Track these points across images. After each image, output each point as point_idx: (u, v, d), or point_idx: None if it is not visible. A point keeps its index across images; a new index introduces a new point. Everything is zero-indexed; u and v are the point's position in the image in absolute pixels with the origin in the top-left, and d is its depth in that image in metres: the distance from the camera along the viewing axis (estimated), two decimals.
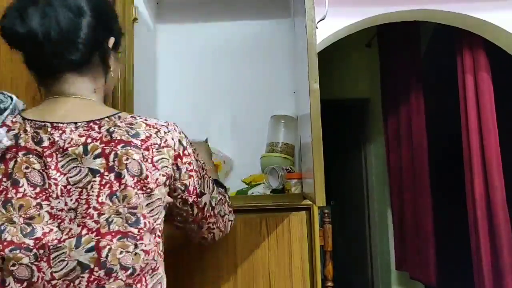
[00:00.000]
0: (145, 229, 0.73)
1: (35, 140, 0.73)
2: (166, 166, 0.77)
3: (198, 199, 0.86)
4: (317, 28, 1.04)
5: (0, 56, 1.25)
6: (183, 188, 0.82)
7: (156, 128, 0.78)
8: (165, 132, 0.79)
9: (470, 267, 2.30)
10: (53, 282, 0.69)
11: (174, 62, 1.70)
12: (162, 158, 0.77)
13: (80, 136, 0.73)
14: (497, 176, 2.17)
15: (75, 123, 0.74)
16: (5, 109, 0.77)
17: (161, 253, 0.80)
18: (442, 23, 2.18)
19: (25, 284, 0.68)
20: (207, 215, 0.90)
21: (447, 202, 2.74)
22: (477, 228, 2.22)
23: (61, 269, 0.69)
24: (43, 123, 0.74)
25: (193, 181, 0.83)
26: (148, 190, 0.74)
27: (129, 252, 0.71)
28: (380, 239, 3.45)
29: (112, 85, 0.91)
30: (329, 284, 1.65)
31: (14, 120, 0.76)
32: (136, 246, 0.72)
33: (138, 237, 0.72)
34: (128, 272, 0.72)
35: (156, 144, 0.76)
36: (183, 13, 1.72)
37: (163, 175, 0.76)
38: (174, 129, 0.81)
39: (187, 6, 1.72)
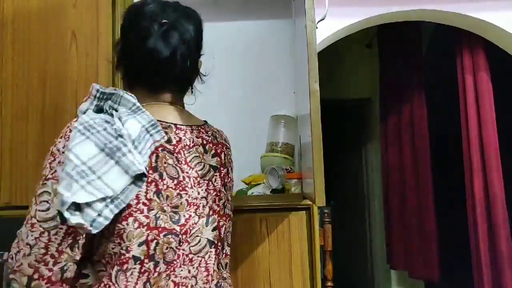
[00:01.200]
0: (230, 213, 0.93)
1: (165, 138, 0.81)
2: (232, 167, 0.99)
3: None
4: (317, 28, 1.04)
5: (3, 56, 1.26)
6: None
7: (222, 132, 1.00)
8: (226, 137, 1.01)
9: (471, 265, 2.30)
10: (190, 256, 0.81)
11: None
12: (232, 160, 0.98)
13: (197, 137, 0.88)
14: (497, 176, 2.18)
15: (190, 126, 0.88)
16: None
17: None
18: (442, 23, 2.18)
19: (170, 262, 0.78)
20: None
21: (448, 201, 2.74)
22: (476, 227, 2.22)
23: (195, 245, 0.82)
24: (168, 124, 0.84)
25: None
26: (232, 185, 0.95)
27: (230, 232, 0.92)
28: (380, 239, 3.45)
29: None
30: (329, 284, 1.66)
31: None
32: (230, 227, 0.92)
33: (230, 219, 0.92)
34: (229, 249, 0.92)
35: (229, 147, 0.99)
36: None
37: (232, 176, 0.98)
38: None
39: (187, 6, 1.72)
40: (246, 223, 1.31)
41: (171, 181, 0.79)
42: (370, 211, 3.62)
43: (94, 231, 0.69)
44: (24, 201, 1.20)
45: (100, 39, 1.26)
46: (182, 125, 0.85)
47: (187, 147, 0.84)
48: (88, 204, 0.69)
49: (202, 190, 0.84)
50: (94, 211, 0.69)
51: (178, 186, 0.80)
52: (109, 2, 1.27)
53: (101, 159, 0.71)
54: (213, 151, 0.89)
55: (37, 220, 0.71)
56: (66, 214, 0.67)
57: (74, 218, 0.67)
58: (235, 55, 1.71)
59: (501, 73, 2.31)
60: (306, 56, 1.02)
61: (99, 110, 0.79)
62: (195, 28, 0.89)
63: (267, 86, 1.69)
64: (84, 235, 0.73)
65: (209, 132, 0.91)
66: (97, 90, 0.79)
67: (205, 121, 0.95)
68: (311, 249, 1.31)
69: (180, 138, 0.83)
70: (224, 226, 0.87)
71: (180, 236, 0.78)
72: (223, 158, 0.91)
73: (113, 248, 0.74)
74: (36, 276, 0.70)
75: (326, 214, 1.64)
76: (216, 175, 0.87)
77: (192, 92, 0.97)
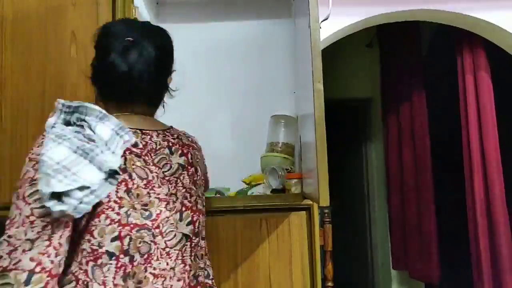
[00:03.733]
0: (203, 209, 0.98)
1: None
2: (203, 163, 1.07)
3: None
4: (320, 28, 1.04)
5: (2, 55, 1.26)
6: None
7: (192, 137, 1.06)
8: (196, 140, 1.07)
9: (472, 265, 2.30)
10: (167, 249, 0.85)
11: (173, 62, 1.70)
12: (202, 155, 1.05)
13: (163, 140, 0.93)
14: (497, 175, 2.18)
15: (156, 130, 0.93)
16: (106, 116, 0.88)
17: None
18: (442, 23, 2.18)
19: (145, 256, 0.82)
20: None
21: (449, 201, 2.74)
22: (476, 227, 2.22)
23: (171, 239, 0.86)
24: (134, 129, 0.89)
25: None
26: (202, 183, 1.00)
27: (203, 226, 0.96)
28: (380, 239, 3.45)
29: None
30: (329, 284, 1.66)
31: None
32: (203, 222, 0.97)
33: (204, 215, 0.98)
34: (204, 241, 0.97)
35: (199, 147, 1.05)
36: (183, 13, 1.72)
37: (202, 170, 1.03)
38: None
39: (187, 6, 1.72)
40: (246, 223, 1.31)
41: (141, 181, 0.85)
42: (370, 211, 3.62)
43: (77, 216, 0.75)
44: None
45: None
46: (147, 130, 0.92)
47: (153, 150, 0.90)
48: (68, 194, 0.74)
49: (171, 187, 0.89)
50: (74, 199, 0.74)
51: (148, 186, 0.85)
52: (109, 1, 1.27)
53: (74, 159, 0.77)
54: (179, 151, 0.95)
55: (36, 217, 0.74)
56: (48, 203, 0.72)
57: (57, 207, 0.72)
58: (235, 55, 1.71)
59: (501, 73, 2.31)
60: (309, 56, 1.02)
61: (66, 123, 0.83)
62: (159, 46, 0.93)
63: (267, 86, 1.69)
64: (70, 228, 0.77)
65: (174, 135, 0.97)
66: (63, 105, 0.84)
67: (171, 126, 1.00)
68: (311, 249, 1.30)
69: (146, 142, 0.90)
70: (198, 220, 0.93)
71: (153, 230, 0.83)
72: (189, 158, 0.96)
73: (82, 244, 0.79)
74: (38, 269, 0.71)
75: (326, 214, 1.64)
76: (183, 173, 0.93)
77: (163, 106, 1.02)
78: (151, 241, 0.83)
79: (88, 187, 0.76)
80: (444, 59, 2.67)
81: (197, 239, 0.93)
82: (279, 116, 1.60)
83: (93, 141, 0.80)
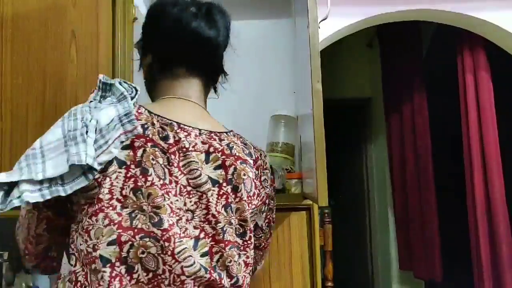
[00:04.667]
0: (249, 242, 0.79)
1: (161, 135, 0.74)
2: (267, 187, 0.86)
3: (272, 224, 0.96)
4: (319, 28, 1.04)
5: (2, 55, 1.26)
6: (273, 209, 0.92)
7: (260, 151, 0.88)
8: (265, 156, 0.89)
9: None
10: (182, 277, 0.69)
11: None
12: (265, 178, 0.85)
13: (203, 143, 0.77)
14: (497, 175, 2.17)
15: (199, 129, 0.78)
16: (132, 98, 0.78)
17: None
18: (442, 23, 2.18)
19: (150, 275, 0.68)
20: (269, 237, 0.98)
21: (451, 200, 2.74)
22: (476, 227, 2.22)
23: (190, 266, 0.69)
24: (169, 121, 0.76)
25: (273, 215, 0.95)
26: (253, 207, 0.80)
27: (235, 261, 0.75)
28: (381, 239, 3.45)
29: None
30: (329, 284, 1.65)
31: (140, 111, 0.76)
32: (239, 256, 0.77)
33: (241, 248, 0.77)
34: (233, 281, 0.75)
35: (262, 166, 0.85)
36: None
37: (265, 194, 0.85)
38: (266, 155, 0.91)
39: None
40: None
41: (158, 179, 0.71)
42: (370, 211, 3.62)
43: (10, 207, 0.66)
44: None
45: (100, 38, 1.25)
46: (187, 126, 0.77)
47: (184, 149, 0.74)
48: (17, 185, 0.66)
49: (190, 202, 0.73)
50: (18, 191, 0.66)
51: (163, 188, 0.71)
52: (109, 1, 1.27)
53: (58, 145, 0.70)
54: (218, 162, 0.76)
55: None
56: None
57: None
58: (234, 55, 1.71)
59: (501, 73, 2.31)
60: (308, 56, 1.02)
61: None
62: (226, 19, 0.88)
63: (267, 86, 1.69)
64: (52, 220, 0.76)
65: (224, 141, 0.79)
66: (99, 81, 0.79)
67: (230, 131, 0.85)
68: (311, 249, 1.30)
69: (180, 139, 0.74)
70: (221, 253, 0.74)
71: (161, 242, 0.68)
72: (230, 173, 0.76)
73: (81, 245, 0.70)
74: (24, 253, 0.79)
75: (326, 214, 1.64)
76: (213, 190, 0.74)
77: (215, 90, 0.95)
78: (159, 255, 0.68)
79: (42, 181, 0.67)
80: (444, 59, 2.67)
81: (216, 275, 0.72)
82: (279, 116, 1.60)
83: (86, 126, 0.70)
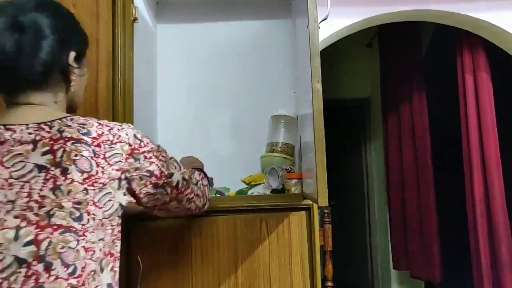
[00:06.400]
0: (88, 225, 0.74)
1: None
2: (120, 161, 0.80)
3: (169, 179, 0.89)
4: (319, 28, 1.04)
5: None
6: (148, 175, 0.84)
7: (109, 126, 0.81)
8: (118, 129, 0.82)
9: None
10: None
11: (174, 62, 1.70)
12: (115, 153, 0.79)
13: (29, 134, 0.75)
14: (497, 175, 2.18)
15: (26, 124, 0.76)
16: None
17: (114, 255, 0.81)
18: (442, 23, 2.18)
19: None
20: (182, 189, 0.93)
21: (450, 201, 2.74)
22: (476, 227, 2.22)
23: None
24: None
25: (156, 165, 0.86)
26: (100, 185, 0.76)
27: (71, 248, 0.72)
28: (380, 239, 3.45)
29: (79, 95, 0.92)
30: (329, 284, 1.66)
31: None
32: (78, 242, 0.73)
33: (80, 233, 0.73)
34: (70, 270, 0.71)
35: (109, 140, 0.79)
36: (183, 13, 1.72)
37: (117, 170, 0.79)
38: (129, 126, 0.85)
39: (187, 6, 1.72)
40: (246, 223, 1.31)
41: None
42: (370, 211, 3.62)
43: None
44: None
45: (100, 38, 1.25)
46: (14, 124, 0.76)
47: (10, 146, 0.74)
48: None
49: (11, 193, 0.72)
50: None
51: None
52: (109, 1, 1.27)
53: None
54: (46, 148, 0.74)
55: None
56: None
57: None
58: (235, 55, 1.71)
59: (501, 73, 2.31)
60: (308, 56, 1.02)
61: None
62: (46, 20, 0.79)
63: (267, 86, 1.69)
64: None
65: (54, 128, 0.77)
66: None
67: (68, 116, 0.81)
68: (311, 249, 1.30)
69: (5, 139, 0.75)
70: (49, 240, 0.71)
71: None
72: (59, 156, 0.74)
73: None
74: None
75: (326, 214, 1.64)
76: (39, 176, 0.73)
77: (67, 88, 0.87)
78: None
79: None
80: (444, 59, 2.67)
81: (42, 265, 0.70)
82: (279, 116, 1.60)
83: None
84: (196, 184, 0.99)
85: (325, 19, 1.25)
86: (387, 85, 3.18)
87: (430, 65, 2.86)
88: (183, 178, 0.93)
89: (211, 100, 1.70)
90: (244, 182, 1.52)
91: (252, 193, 1.44)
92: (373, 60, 3.43)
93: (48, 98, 0.83)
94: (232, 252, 1.29)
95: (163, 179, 0.87)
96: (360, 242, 3.80)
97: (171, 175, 0.89)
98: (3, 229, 0.70)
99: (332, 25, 1.94)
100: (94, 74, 1.23)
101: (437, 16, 2.11)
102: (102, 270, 0.77)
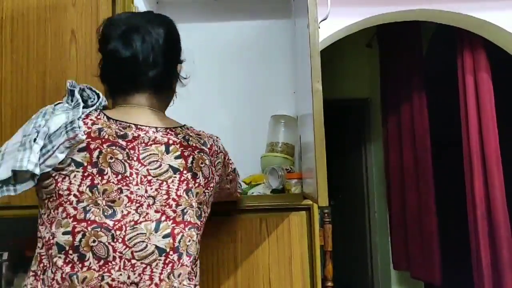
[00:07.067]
0: (203, 221, 0.89)
1: (119, 134, 0.82)
2: (220, 168, 0.95)
3: (235, 175, 1.09)
4: (319, 27, 1.04)
5: (2, 55, 1.26)
6: (230, 177, 1.04)
7: (212, 138, 0.96)
8: (217, 140, 0.97)
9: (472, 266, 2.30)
10: (133, 261, 0.78)
11: None
12: (218, 161, 0.95)
13: (162, 137, 0.85)
14: (497, 176, 2.17)
15: (156, 127, 0.86)
16: (92, 105, 0.87)
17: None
18: (442, 23, 2.18)
19: (101, 262, 0.76)
20: (236, 179, 1.12)
21: (450, 201, 2.74)
22: (476, 228, 2.22)
23: (140, 251, 0.78)
24: (128, 124, 0.84)
25: (233, 167, 1.06)
26: (211, 189, 0.91)
27: (193, 241, 0.85)
28: (380, 239, 3.45)
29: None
30: (329, 284, 1.65)
31: (98, 116, 0.85)
32: (197, 236, 0.86)
33: (199, 228, 0.87)
34: (191, 259, 0.84)
35: (216, 151, 0.94)
36: (183, 13, 1.72)
37: (218, 176, 0.95)
38: (217, 137, 1.00)
39: (187, 6, 1.72)
40: (246, 223, 1.31)
41: (114, 176, 0.80)
42: (370, 211, 3.62)
43: None
44: (24, 201, 1.19)
45: None
46: (144, 126, 0.85)
47: (143, 144, 0.83)
48: None
49: (151, 189, 0.81)
50: None
51: (122, 182, 0.80)
52: (109, 1, 1.27)
53: (14, 149, 0.77)
54: (178, 153, 0.85)
55: None
56: None
57: None
58: (235, 55, 1.71)
59: (501, 73, 2.31)
60: (308, 56, 1.02)
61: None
62: (163, 31, 0.90)
63: (267, 86, 1.69)
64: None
65: (179, 135, 0.88)
66: (67, 87, 0.87)
67: (184, 125, 0.94)
68: (311, 249, 1.30)
69: (139, 135, 0.83)
70: (182, 234, 0.82)
71: (113, 231, 0.77)
72: (189, 162, 0.86)
73: (46, 233, 0.79)
74: None
75: (326, 214, 1.64)
76: (174, 177, 0.83)
77: (174, 96, 1.00)
78: (109, 243, 0.77)
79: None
80: (444, 59, 2.67)
81: (176, 255, 0.81)
82: (279, 116, 1.60)
83: (38, 132, 0.78)
84: (238, 175, 1.14)
85: (325, 19, 1.25)
86: (387, 85, 3.18)
87: (430, 65, 2.86)
88: (235, 170, 1.09)
89: (211, 100, 1.69)
90: (244, 182, 1.52)
91: (252, 193, 1.44)
92: (373, 60, 3.43)
93: (158, 102, 0.92)
94: (232, 252, 1.29)
95: (233, 175, 1.07)
96: (360, 242, 3.80)
97: (235, 170, 1.09)
98: (146, 221, 0.80)
99: (332, 25, 1.94)
100: (94, 73, 1.23)
101: (437, 16, 2.11)
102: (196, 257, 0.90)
